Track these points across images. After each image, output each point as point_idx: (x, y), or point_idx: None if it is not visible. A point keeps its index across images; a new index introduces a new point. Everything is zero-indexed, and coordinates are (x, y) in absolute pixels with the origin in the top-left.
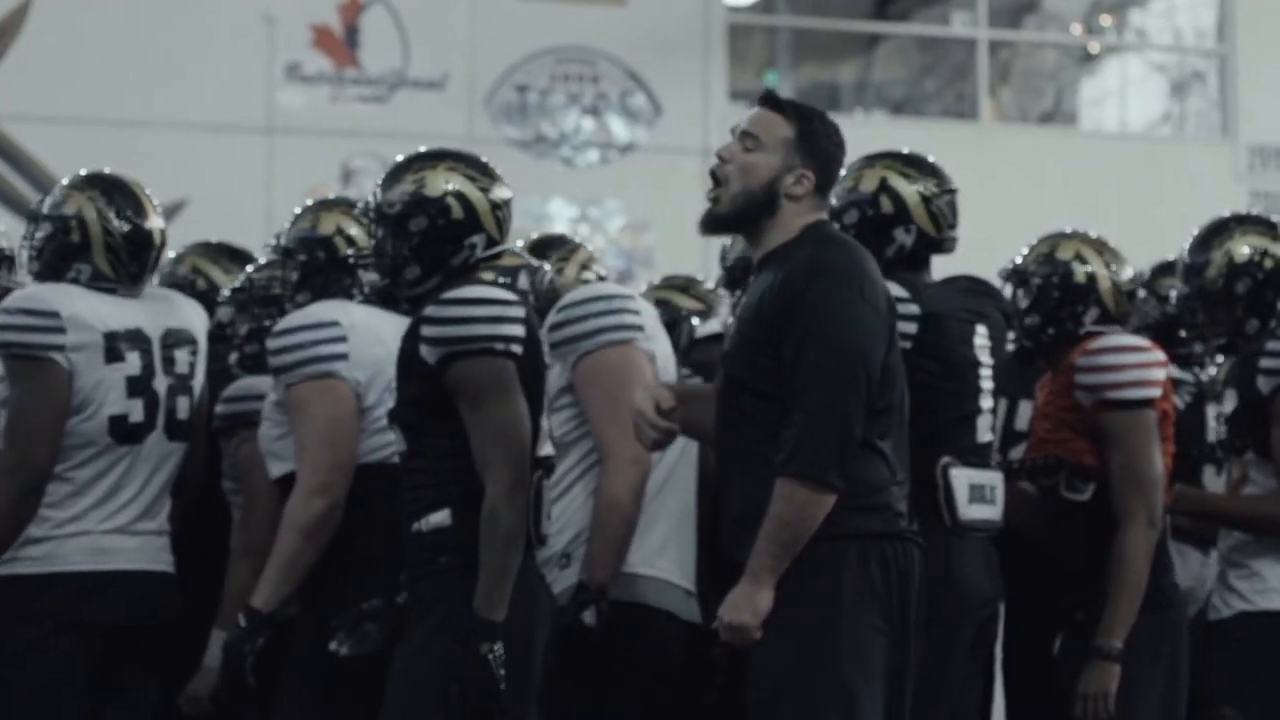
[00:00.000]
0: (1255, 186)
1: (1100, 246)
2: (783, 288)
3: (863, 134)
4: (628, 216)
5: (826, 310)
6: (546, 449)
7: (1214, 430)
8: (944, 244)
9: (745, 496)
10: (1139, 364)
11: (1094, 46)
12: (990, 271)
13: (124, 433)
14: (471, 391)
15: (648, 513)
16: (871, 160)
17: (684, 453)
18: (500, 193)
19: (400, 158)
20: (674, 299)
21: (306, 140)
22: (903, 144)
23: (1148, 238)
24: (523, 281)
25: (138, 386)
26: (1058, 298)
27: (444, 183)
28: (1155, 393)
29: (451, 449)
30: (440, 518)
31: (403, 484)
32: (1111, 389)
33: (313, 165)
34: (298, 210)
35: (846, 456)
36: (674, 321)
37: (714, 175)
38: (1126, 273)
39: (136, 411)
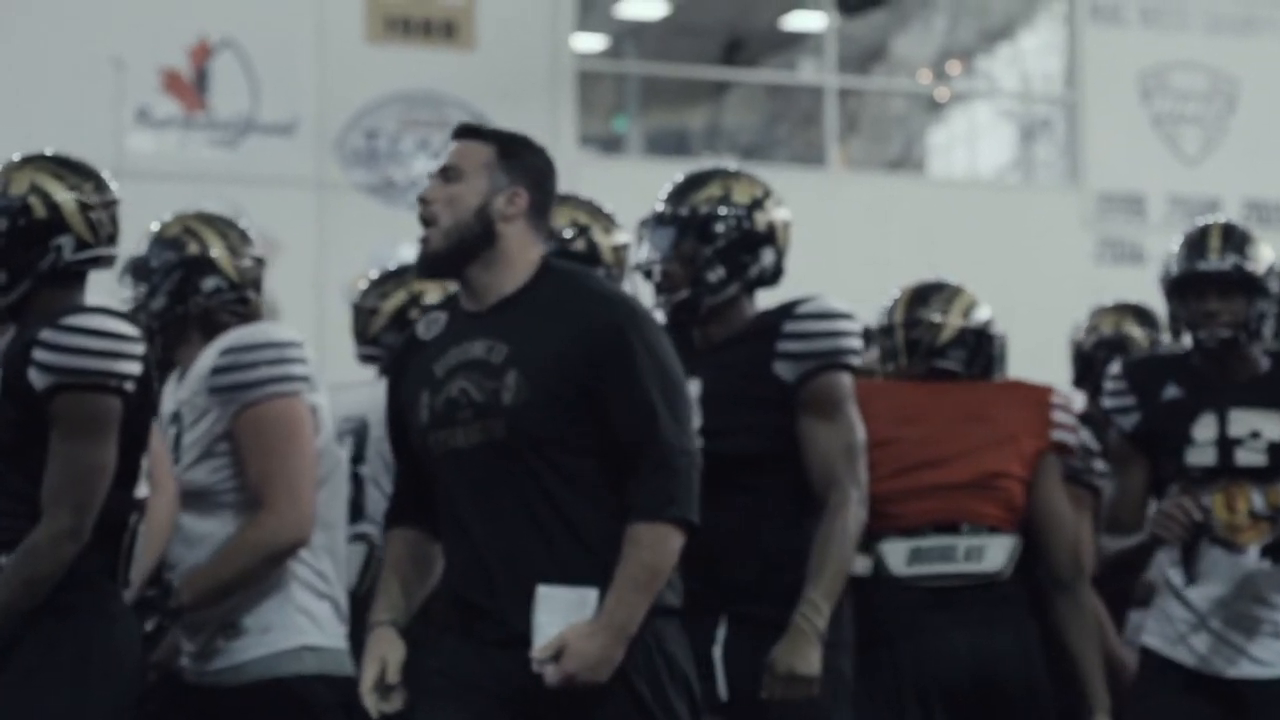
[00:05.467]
0: (1103, 233)
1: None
2: (588, 333)
3: None
4: None
5: (657, 348)
6: (143, 490)
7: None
8: (783, 273)
9: (542, 564)
10: None
11: (942, 94)
12: None
13: None
14: (68, 424)
15: (325, 581)
16: (734, 174)
17: (335, 502)
18: (93, 195)
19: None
20: None
21: (156, 184)
22: None
23: (996, 284)
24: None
25: None
26: None
27: (26, 183)
28: None
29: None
30: None
31: None
32: None
33: (162, 209)
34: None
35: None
36: None
37: (423, 220)
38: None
39: None
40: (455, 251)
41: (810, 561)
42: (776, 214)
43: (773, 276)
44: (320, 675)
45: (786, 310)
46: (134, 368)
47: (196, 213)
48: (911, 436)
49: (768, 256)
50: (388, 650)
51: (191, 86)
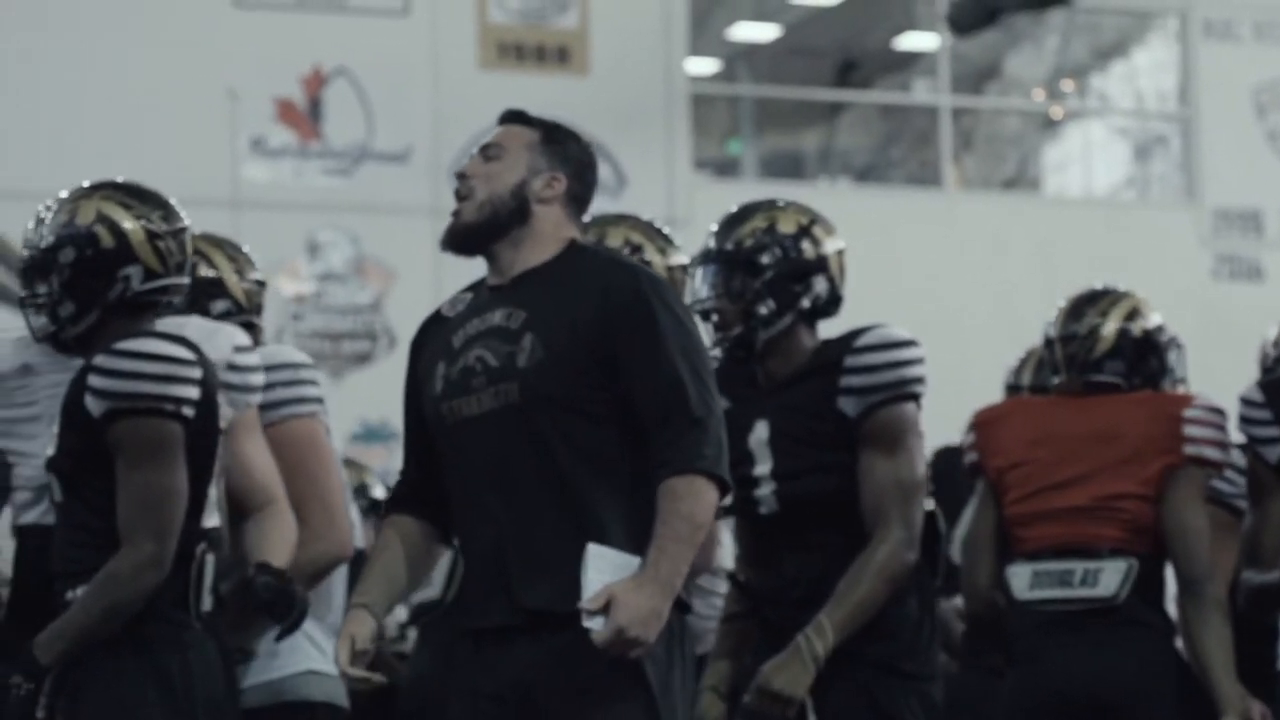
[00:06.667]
0: (1220, 250)
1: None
2: (606, 297)
3: (828, 202)
4: None
5: (678, 311)
6: (213, 520)
7: None
8: (841, 301)
9: (557, 537)
10: None
11: (1056, 112)
12: (955, 333)
13: None
14: (131, 451)
15: (330, 610)
16: (778, 204)
17: None
18: (162, 224)
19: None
20: None
21: (271, 214)
22: (867, 211)
23: None
24: None
25: None
26: None
27: (93, 212)
28: None
29: (108, 506)
30: None
31: (55, 539)
32: None
33: (278, 238)
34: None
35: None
36: None
37: (458, 195)
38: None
39: None
40: (486, 225)
41: (836, 588)
42: (827, 241)
43: (829, 305)
44: (325, 703)
45: (846, 343)
46: (190, 392)
47: (204, 234)
48: (1041, 458)
49: (820, 285)
50: (355, 628)
51: (306, 116)
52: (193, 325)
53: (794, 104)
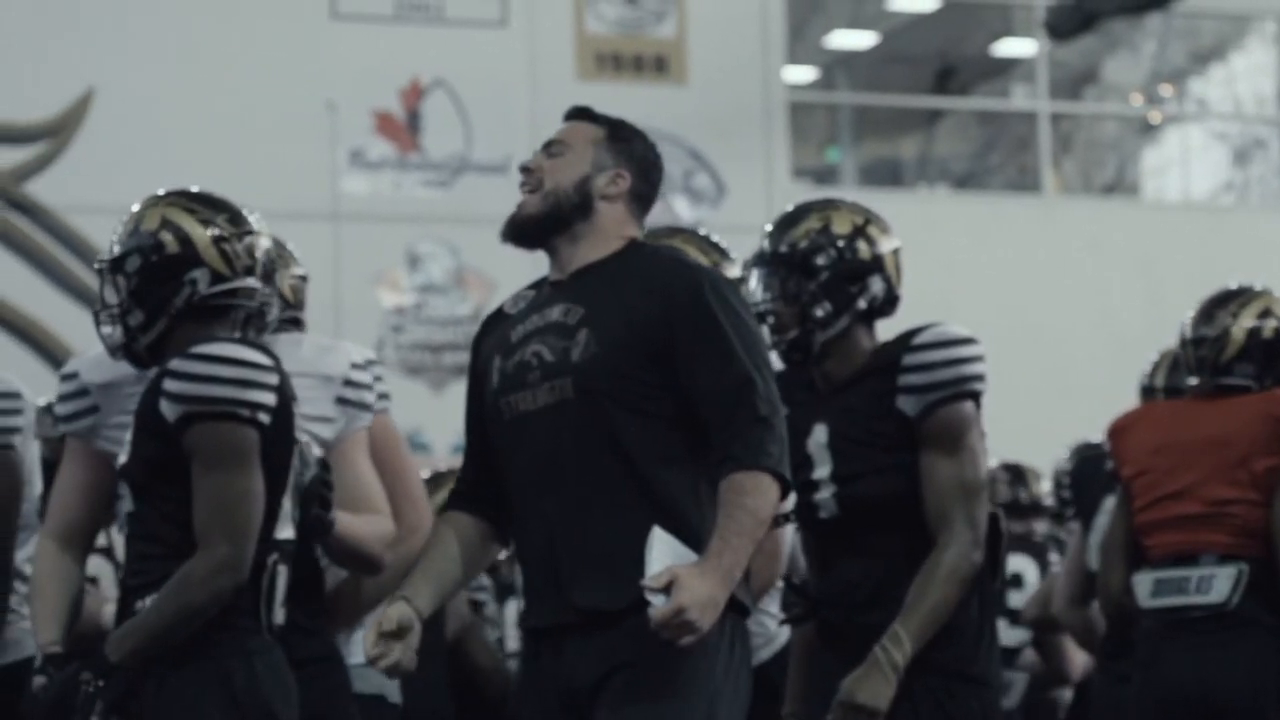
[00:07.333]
0: None
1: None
2: (663, 293)
3: (927, 209)
4: None
5: (736, 305)
6: (286, 532)
7: None
8: (898, 301)
9: (609, 534)
10: None
11: (1155, 116)
12: (1054, 338)
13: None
14: (206, 455)
15: None
16: (833, 204)
17: None
18: (228, 227)
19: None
20: None
21: (371, 226)
22: (966, 218)
23: None
24: None
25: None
26: None
27: (158, 219)
28: None
29: (182, 516)
30: None
31: (126, 549)
32: None
33: (378, 250)
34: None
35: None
36: None
37: (523, 188)
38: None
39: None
40: (549, 217)
41: (908, 595)
42: (882, 241)
43: (886, 305)
44: (374, 695)
45: (904, 342)
46: (267, 398)
47: None
48: (1160, 466)
49: (876, 285)
50: (389, 609)
51: (404, 127)
52: (308, 342)
53: (892, 111)
